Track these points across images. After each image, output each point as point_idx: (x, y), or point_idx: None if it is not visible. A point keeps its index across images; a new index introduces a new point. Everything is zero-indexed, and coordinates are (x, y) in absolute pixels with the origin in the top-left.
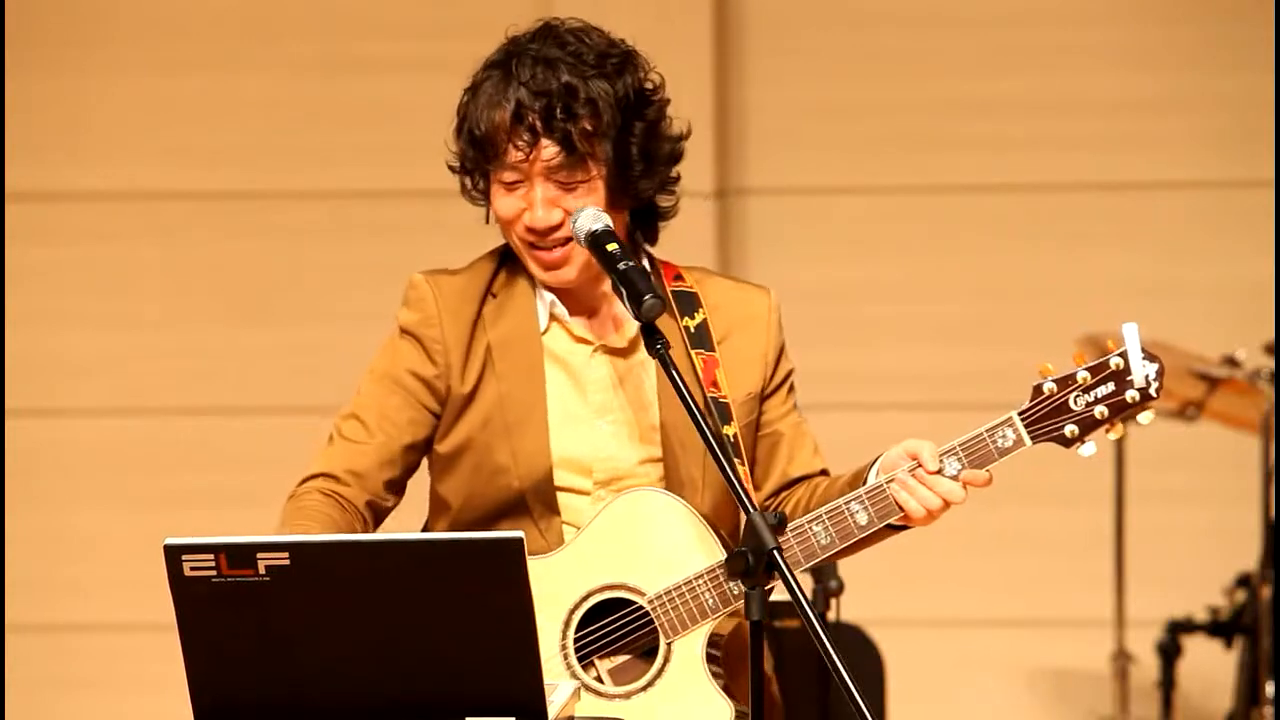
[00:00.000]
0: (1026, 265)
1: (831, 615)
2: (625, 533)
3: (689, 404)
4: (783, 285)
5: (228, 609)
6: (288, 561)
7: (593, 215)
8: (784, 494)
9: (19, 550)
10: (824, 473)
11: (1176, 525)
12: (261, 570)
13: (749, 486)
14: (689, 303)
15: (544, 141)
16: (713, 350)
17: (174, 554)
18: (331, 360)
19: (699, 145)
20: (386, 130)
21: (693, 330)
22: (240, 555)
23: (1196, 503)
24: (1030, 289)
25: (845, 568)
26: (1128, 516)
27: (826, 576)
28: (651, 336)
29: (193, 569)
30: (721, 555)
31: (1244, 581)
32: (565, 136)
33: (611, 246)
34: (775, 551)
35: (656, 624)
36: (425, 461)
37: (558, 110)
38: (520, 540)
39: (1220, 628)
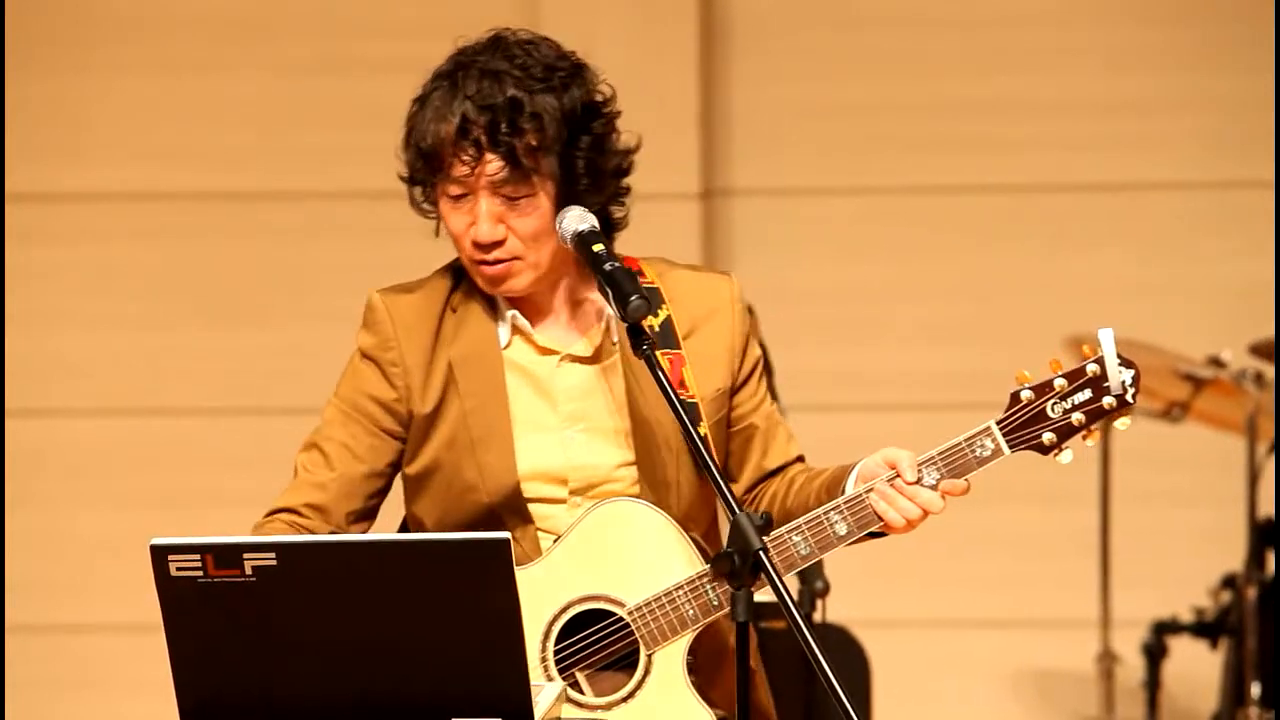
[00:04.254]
0: (1019, 266)
1: (817, 616)
2: (604, 543)
3: (676, 408)
4: (769, 286)
5: (214, 609)
6: (274, 562)
7: (579, 215)
8: (760, 487)
9: (19, 550)
10: (799, 459)
11: (1162, 526)
12: (248, 571)
13: (731, 488)
14: (650, 299)
15: (488, 156)
16: (678, 348)
17: (160, 554)
18: (332, 361)
19: (685, 146)
20: (389, 131)
21: (657, 329)
22: (227, 556)
23: (1182, 503)
24: (1024, 290)
25: (831, 569)
26: (1113, 517)
27: (812, 578)
28: (638, 337)
29: (179, 569)
30: (700, 565)
31: (1229, 582)
32: (510, 151)
33: (597, 247)
34: (761, 552)
35: (637, 635)
36: (400, 481)
37: (502, 125)
38: (507, 541)
39: (1205, 628)
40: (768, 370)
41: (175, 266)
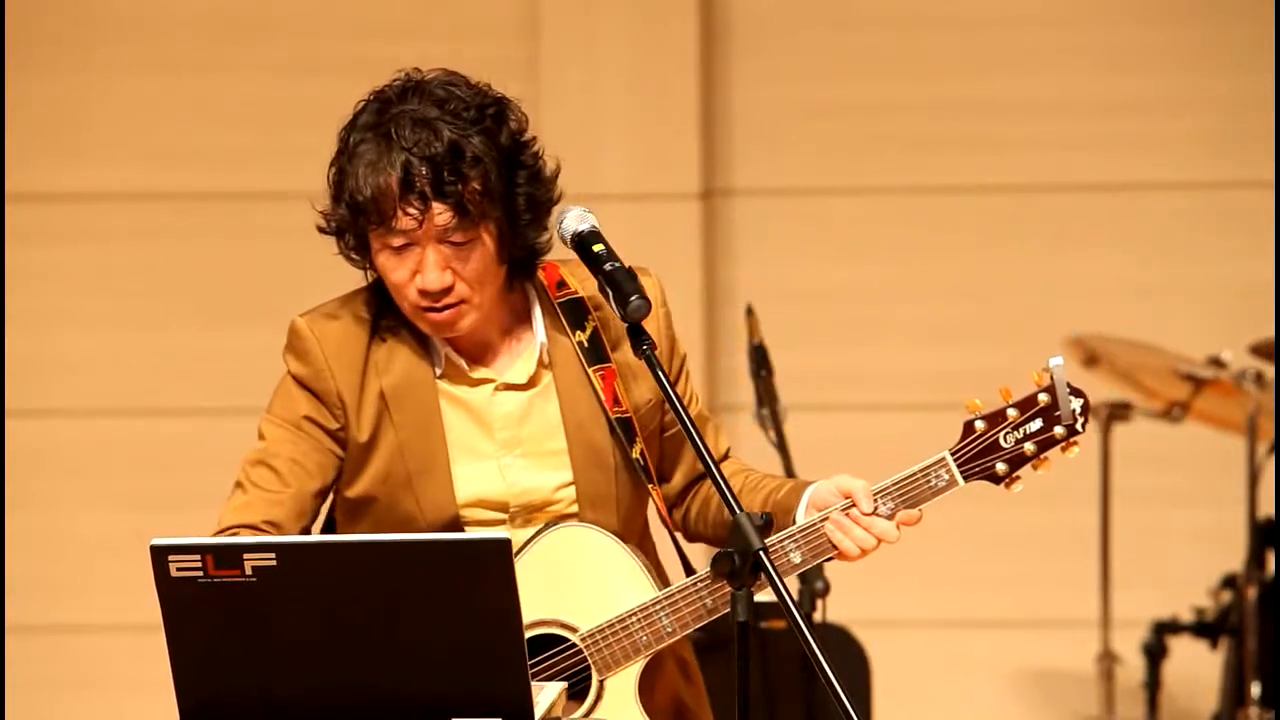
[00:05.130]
0: (1019, 266)
1: (817, 616)
2: (556, 568)
3: (677, 408)
4: (770, 286)
5: (214, 610)
6: (274, 562)
7: (579, 216)
8: (696, 487)
9: (19, 550)
10: (728, 453)
11: (1162, 526)
12: (248, 571)
13: (732, 490)
14: (576, 312)
15: (436, 206)
16: (608, 361)
17: (160, 554)
18: None
19: (685, 146)
20: None
21: (586, 345)
22: (227, 556)
23: (1182, 503)
24: (1024, 290)
25: (831, 569)
26: (1113, 517)
27: (813, 578)
28: (638, 338)
29: (179, 569)
30: (654, 592)
31: (1229, 582)
32: (458, 201)
33: (598, 248)
34: (761, 552)
35: (589, 661)
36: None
37: (445, 173)
38: (507, 541)
39: (1206, 628)
40: (768, 369)
41: (175, 266)
